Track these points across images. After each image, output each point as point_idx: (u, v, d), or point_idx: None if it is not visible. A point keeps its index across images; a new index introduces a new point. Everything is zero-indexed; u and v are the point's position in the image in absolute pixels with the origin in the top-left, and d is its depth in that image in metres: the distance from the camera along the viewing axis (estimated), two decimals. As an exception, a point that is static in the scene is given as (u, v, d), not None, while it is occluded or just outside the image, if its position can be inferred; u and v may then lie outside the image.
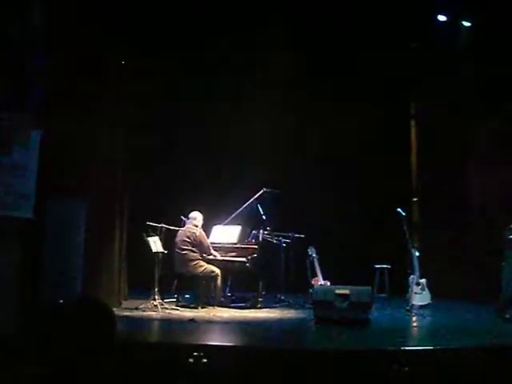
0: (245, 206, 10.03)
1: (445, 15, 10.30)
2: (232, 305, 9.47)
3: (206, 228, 9.72)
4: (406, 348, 6.20)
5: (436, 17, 10.31)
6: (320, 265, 9.67)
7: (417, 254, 9.28)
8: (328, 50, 10.67)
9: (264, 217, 9.99)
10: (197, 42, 10.06)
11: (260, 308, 9.29)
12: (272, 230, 10.00)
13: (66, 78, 7.04)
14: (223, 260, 9.55)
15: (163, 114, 10.82)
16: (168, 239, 9.32)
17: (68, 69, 7.06)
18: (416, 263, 9.21)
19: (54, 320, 2.39)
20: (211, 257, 9.44)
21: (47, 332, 2.38)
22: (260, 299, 9.50)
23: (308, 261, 9.72)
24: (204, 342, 6.56)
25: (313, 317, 8.03)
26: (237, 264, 9.54)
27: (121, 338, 6.29)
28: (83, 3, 7.30)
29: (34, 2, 6.15)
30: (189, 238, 9.28)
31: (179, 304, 9.18)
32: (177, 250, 9.31)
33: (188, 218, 9.48)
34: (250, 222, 10.15)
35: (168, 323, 7.97)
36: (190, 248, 9.25)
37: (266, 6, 9.70)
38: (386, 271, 10.79)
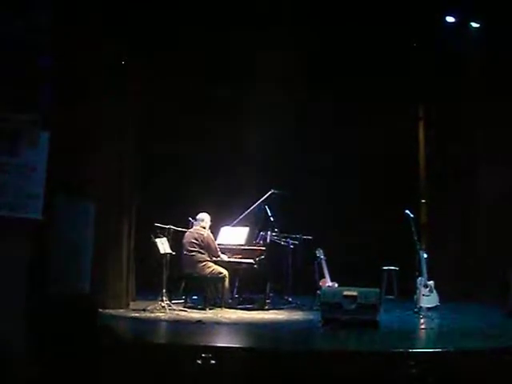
0: (253, 207, 10.03)
1: (453, 16, 10.26)
2: (239, 306, 9.47)
3: (214, 229, 9.73)
4: (414, 350, 6.18)
5: (444, 18, 10.28)
6: (328, 266, 9.65)
7: (425, 255, 9.25)
8: (332, 51, 10.64)
9: (272, 218, 10.00)
10: (199, 42, 10.05)
11: (267, 309, 9.29)
12: (280, 232, 10.00)
13: (72, 79, 7.06)
14: (231, 261, 9.55)
15: (170, 115, 10.83)
16: (176, 241, 9.33)
17: (74, 69, 7.07)
18: (424, 265, 9.18)
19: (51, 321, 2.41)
20: (219, 259, 9.44)
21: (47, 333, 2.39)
22: (267, 301, 9.50)
23: (316, 262, 9.70)
24: (212, 344, 6.56)
25: (320, 318, 8.01)
26: (244, 265, 9.54)
27: (129, 338, 6.32)
28: (84, 3, 7.32)
29: (37, 1, 6.17)
30: (196, 239, 9.29)
31: (187, 305, 9.19)
32: (184, 252, 9.32)
33: (196, 220, 9.49)
34: (258, 224, 10.15)
35: (176, 324, 7.97)
36: (197, 249, 9.26)
37: (266, 6, 9.69)
38: (394, 273, 10.76)
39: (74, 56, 7.00)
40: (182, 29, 9.55)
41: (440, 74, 10.64)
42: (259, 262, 9.42)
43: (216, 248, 9.42)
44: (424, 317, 8.58)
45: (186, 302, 9.32)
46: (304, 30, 10.06)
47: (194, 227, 9.45)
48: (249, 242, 9.76)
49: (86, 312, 2.47)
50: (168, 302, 8.79)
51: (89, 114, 7.58)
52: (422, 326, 8.12)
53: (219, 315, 8.64)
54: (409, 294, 9.48)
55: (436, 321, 8.50)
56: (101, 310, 8.09)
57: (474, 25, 10.28)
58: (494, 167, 10.33)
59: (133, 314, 8.41)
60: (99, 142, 7.99)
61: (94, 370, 2.32)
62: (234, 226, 10.07)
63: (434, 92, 10.90)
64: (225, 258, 9.52)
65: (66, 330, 2.38)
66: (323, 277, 9.63)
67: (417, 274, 9.19)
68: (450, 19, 10.30)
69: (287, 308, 9.50)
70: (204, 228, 9.39)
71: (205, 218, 9.46)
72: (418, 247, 9.23)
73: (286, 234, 10.04)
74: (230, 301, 9.54)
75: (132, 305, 9.21)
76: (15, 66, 5.94)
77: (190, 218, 9.59)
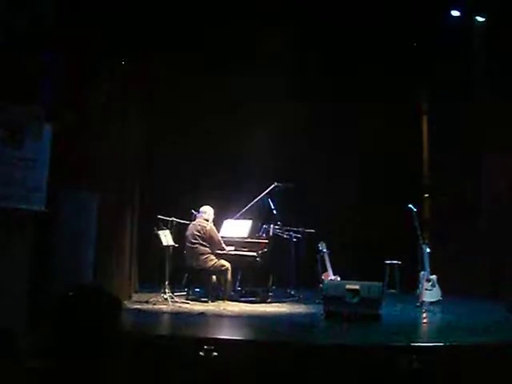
0: (256, 200, 10.04)
1: (458, 10, 10.20)
2: (242, 299, 9.48)
3: (217, 222, 9.73)
4: (416, 344, 6.19)
5: (449, 12, 10.22)
6: (330, 260, 9.66)
7: (427, 250, 9.24)
8: (336, 47, 10.60)
9: (275, 211, 10.00)
10: (202, 41, 10.01)
11: (270, 302, 9.30)
12: (283, 225, 10.00)
13: (75, 74, 7.07)
14: (233, 254, 9.56)
15: (174, 108, 10.82)
16: (179, 233, 9.35)
17: (76, 64, 7.08)
18: (427, 259, 9.17)
19: (59, 309, 2.40)
20: (222, 251, 9.45)
21: (52, 321, 2.39)
22: (270, 294, 9.52)
23: (318, 256, 9.71)
24: (214, 336, 6.58)
25: (323, 312, 8.03)
26: (247, 258, 9.54)
27: (131, 330, 6.34)
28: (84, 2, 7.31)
29: None
30: (199, 232, 9.30)
31: (189, 298, 9.21)
32: (187, 244, 9.33)
33: (199, 212, 9.49)
34: (261, 217, 10.16)
35: (178, 317, 8.00)
36: (200, 242, 9.27)
37: (266, 6, 9.64)
38: (396, 267, 10.75)
39: (76, 51, 6.99)
40: (182, 28, 9.53)
41: (442, 72, 10.59)
42: (262, 255, 9.43)
43: (219, 240, 9.42)
44: (426, 311, 8.59)
45: (188, 294, 9.35)
46: (303, 28, 10.01)
47: (197, 220, 9.45)
48: (251, 234, 9.77)
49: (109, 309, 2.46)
50: (170, 294, 8.81)
51: (92, 108, 7.58)
52: (424, 321, 8.12)
53: (222, 308, 8.66)
54: (411, 288, 9.48)
55: (438, 315, 8.51)
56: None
57: (480, 19, 10.22)
58: (497, 163, 10.32)
59: (135, 306, 8.43)
60: (102, 134, 7.99)
61: (96, 362, 2.32)
62: (237, 218, 10.08)
63: (438, 87, 10.86)
64: (229, 249, 9.50)
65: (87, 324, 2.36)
66: (326, 270, 9.64)
67: (419, 268, 9.19)
68: (455, 13, 10.23)
69: (289, 301, 9.51)
70: (207, 220, 9.40)
71: (208, 210, 9.46)
72: (421, 241, 9.24)
73: (288, 227, 10.05)
74: (233, 293, 9.56)
75: (135, 297, 9.24)
76: (19, 59, 5.96)
77: (193, 211, 9.59)
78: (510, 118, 9.91)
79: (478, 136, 10.71)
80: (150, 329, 7.16)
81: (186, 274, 9.55)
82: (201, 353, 5.36)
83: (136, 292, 9.56)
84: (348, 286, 7.91)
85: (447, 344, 6.05)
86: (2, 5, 5.91)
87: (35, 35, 6.04)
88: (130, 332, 6.10)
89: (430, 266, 9.17)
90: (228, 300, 9.17)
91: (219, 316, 8.09)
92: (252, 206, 10.07)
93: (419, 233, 9.21)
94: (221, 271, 9.29)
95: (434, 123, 11.30)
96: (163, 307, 8.47)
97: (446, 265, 9.69)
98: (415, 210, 9.26)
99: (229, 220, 10.06)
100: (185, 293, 9.37)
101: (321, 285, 9.09)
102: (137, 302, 8.81)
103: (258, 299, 9.50)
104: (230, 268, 9.32)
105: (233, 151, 11.22)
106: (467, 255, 10.36)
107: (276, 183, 9.99)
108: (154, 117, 10.30)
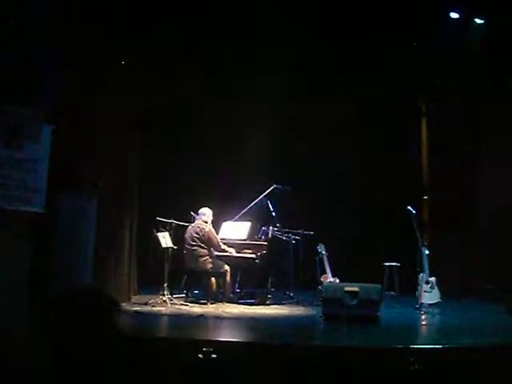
0: (255, 202, 10.04)
1: (457, 12, 10.21)
2: (241, 301, 9.48)
3: (216, 224, 9.73)
4: (415, 346, 6.19)
5: (448, 15, 10.23)
6: (329, 262, 9.66)
7: (426, 252, 9.24)
8: (335, 47, 10.61)
9: (274, 213, 10.00)
10: (201, 40, 10.01)
11: (269, 304, 9.30)
12: (282, 227, 10.00)
13: (76, 74, 7.07)
14: (232, 256, 9.55)
15: (174, 110, 10.81)
16: (178, 235, 9.34)
17: (77, 67, 7.08)
18: (426, 261, 9.17)
19: (58, 310, 2.40)
20: (221, 253, 9.44)
21: (50, 322, 2.39)
22: (269, 296, 9.52)
23: (317, 258, 9.71)
24: (213, 338, 6.58)
25: (321, 314, 8.03)
26: (246, 260, 9.54)
27: (129, 332, 6.33)
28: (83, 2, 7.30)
29: None
30: (198, 234, 9.29)
31: (188, 300, 9.21)
32: (186, 246, 9.33)
33: (198, 214, 9.48)
34: (260, 219, 10.16)
35: (177, 319, 7.99)
36: (199, 244, 9.27)
37: (266, 6, 9.64)
38: (395, 269, 10.75)
39: (76, 51, 7.00)
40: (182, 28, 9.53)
41: (444, 72, 10.60)
42: (261, 257, 9.42)
43: (218, 242, 9.42)
44: (425, 313, 8.59)
45: (187, 296, 9.34)
46: (303, 27, 10.01)
47: (196, 222, 9.45)
48: (250, 236, 9.76)
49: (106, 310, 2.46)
50: (169, 296, 8.81)
51: (91, 111, 7.58)
52: (423, 323, 8.13)
53: (220, 310, 8.65)
54: (410, 290, 9.47)
55: (437, 317, 8.51)
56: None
57: (478, 21, 10.22)
58: (497, 164, 10.32)
59: (134, 308, 8.43)
60: (101, 138, 7.99)
61: (95, 364, 2.32)
62: (235, 220, 10.07)
63: (438, 89, 10.87)
64: (228, 250, 9.49)
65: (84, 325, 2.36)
66: (324, 272, 9.63)
67: (418, 270, 9.19)
68: (454, 15, 10.24)
69: (288, 303, 9.51)
70: (206, 222, 9.39)
71: (206, 212, 9.45)
72: (420, 243, 9.24)
73: (287, 229, 10.05)
74: (232, 295, 9.56)
75: (134, 299, 9.24)
76: (19, 60, 5.96)
77: (192, 213, 9.59)
78: (510, 118, 9.92)
79: (477, 137, 10.73)
80: (148, 331, 7.15)
81: (185, 276, 9.55)
82: (200, 355, 5.35)
83: (135, 294, 9.55)
84: (347, 288, 7.91)
85: (446, 346, 6.05)
86: (2, 4, 5.92)
87: (35, 35, 6.04)
88: (128, 334, 6.09)
89: (429, 268, 9.17)
90: (227, 302, 9.17)
91: (218, 318, 8.09)
92: (251, 207, 10.07)
93: (418, 235, 9.21)
94: (220, 273, 9.28)
95: (434, 125, 11.29)
96: (162, 309, 8.46)
97: (445, 267, 9.69)
98: (414, 212, 9.26)
99: (228, 222, 10.05)
100: (184, 295, 9.37)
101: (320, 287, 9.09)
102: (136, 303, 8.81)
103: (256, 301, 9.50)
104: (228, 270, 9.31)
105: (232, 153, 11.21)
106: (466, 257, 10.37)
107: (275, 185, 9.99)
108: (153, 117, 10.29)
